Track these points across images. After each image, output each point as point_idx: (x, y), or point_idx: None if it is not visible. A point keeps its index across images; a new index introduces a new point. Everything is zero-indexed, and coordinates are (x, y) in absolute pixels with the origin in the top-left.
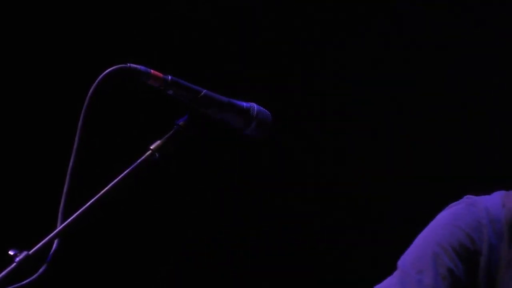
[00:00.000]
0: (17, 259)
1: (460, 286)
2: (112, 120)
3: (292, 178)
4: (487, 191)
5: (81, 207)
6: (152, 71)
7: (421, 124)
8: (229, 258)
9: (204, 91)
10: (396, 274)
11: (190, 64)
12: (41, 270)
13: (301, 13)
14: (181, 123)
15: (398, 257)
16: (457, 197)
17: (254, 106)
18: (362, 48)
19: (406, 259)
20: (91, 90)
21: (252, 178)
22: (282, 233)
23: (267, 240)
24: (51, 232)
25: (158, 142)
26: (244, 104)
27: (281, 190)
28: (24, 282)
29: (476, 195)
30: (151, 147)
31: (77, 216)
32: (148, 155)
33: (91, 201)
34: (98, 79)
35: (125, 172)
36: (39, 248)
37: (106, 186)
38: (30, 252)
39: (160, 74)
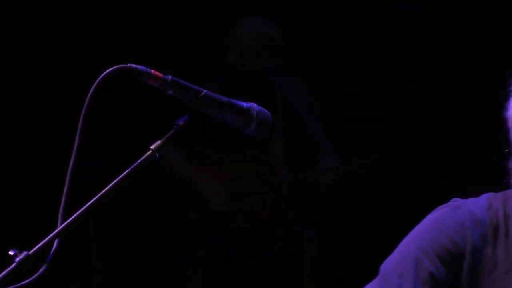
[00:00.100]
0: (17, 259)
1: None
2: (112, 120)
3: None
4: (487, 191)
5: (81, 207)
6: (152, 71)
7: (421, 124)
8: (229, 258)
9: (204, 91)
10: (377, 279)
11: (190, 64)
12: (41, 270)
13: (301, 13)
14: (181, 123)
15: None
16: (457, 197)
17: (254, 106)
18: (362, 48)
19: (388, 263)
20: (91, 90)
21: None
22: (282, 232)
23: (267, 240)
24: (51, 232)
25: (158, 142)
26: (244, 104)
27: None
28: (24, 282)
29: (467, 197)
30: (151, 147)
31: (77, 216)
32: (148, 155)
33: (91, 201)
34: (98, 79)
35: (125, 172)
36: (39, 248)
37: (106, 186)
38: (30, 252)
39: (160, 74)
